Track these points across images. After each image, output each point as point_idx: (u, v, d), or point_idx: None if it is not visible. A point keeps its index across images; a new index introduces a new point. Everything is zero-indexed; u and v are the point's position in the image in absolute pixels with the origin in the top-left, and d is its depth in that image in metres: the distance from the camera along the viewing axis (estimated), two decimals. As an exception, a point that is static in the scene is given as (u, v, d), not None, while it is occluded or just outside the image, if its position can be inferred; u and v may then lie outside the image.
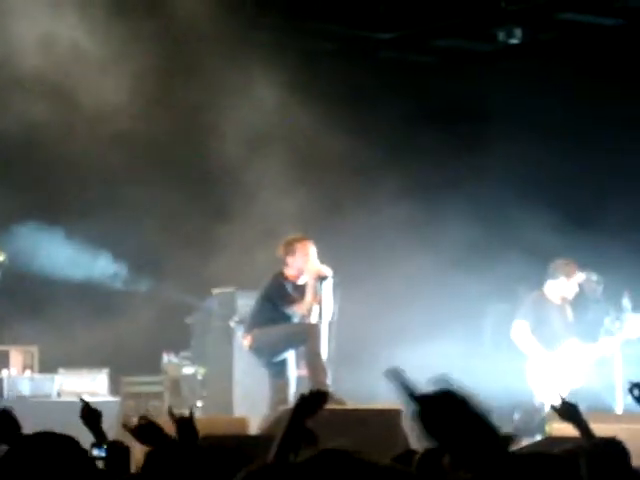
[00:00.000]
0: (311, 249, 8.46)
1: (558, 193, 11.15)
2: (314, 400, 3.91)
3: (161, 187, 10.56)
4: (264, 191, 10.65)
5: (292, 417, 3.81)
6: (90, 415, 4.59)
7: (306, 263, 8.41)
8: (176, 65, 10.35)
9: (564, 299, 9.15)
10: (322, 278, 8.36)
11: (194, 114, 10.55)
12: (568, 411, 4.91)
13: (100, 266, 10.96)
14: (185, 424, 4.09)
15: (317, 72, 10.80)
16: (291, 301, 8.40)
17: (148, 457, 3.53)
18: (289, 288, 8.45)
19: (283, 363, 8.43)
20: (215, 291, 10.49)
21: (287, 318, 8.46)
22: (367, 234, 10.53)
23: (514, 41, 11.05)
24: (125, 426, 4.34)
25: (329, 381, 8.17)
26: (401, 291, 10.20)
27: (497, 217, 11.02)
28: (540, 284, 9.32)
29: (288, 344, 8.37)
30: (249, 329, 8.60)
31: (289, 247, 8.46)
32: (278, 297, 8.41)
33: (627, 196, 11.01)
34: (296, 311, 8.42)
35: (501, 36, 11.06)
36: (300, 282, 8.49)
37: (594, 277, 9.08)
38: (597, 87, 10.98)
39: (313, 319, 8.39)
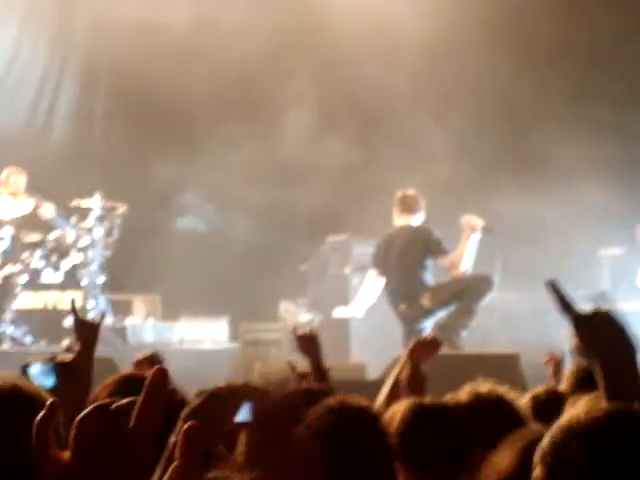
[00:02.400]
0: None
1: None
2: (428, 346, 3.94)
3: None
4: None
5: (406, 361, 3.85)
6: (307, 342, 4.27)
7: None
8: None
9: None
10: (478, 229, 8.29)
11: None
12: None
13: (221, 217, 11.13)
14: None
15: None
16: (447, 251, 8.30)
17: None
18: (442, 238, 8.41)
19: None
20: (329, 239, 10.56)
21: (432, 269, 8.36)
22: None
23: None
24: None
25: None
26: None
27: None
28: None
29: (463, 295, 8.14)
30: (421, 290, 8.27)
31: (418, 198, 8.47)
32: (439, 248, 8.27)
33: None
34: (450, 261, 8.27)
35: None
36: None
37: None
38: None
39: (460, 270, 8.26)
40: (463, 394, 3.22)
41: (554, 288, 2.17)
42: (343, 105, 11.19)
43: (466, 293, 8.10)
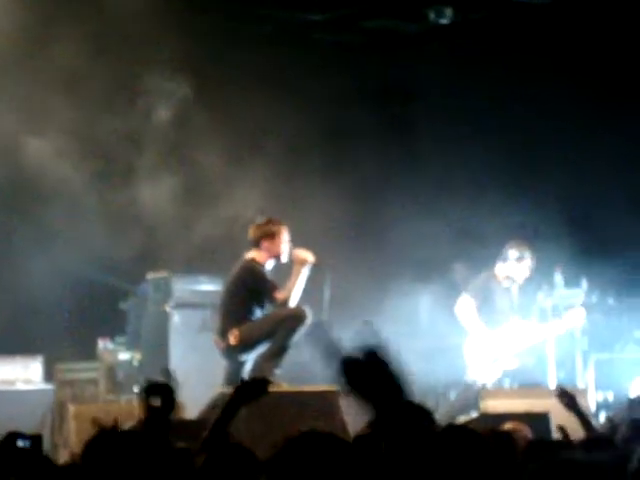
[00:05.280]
0: (287, 233, 8.23)
1: (486, 172, 11.24)
2: (255, 388, 3.90)
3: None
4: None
5: (229, 402, 3.80)
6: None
7: (284, 247, 8.16)
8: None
9: (513, 281, 9.14)
10: (307, 264, 8.09)
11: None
12: (569, 401, 5.05)
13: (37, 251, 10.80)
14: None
15: (248, 54, 10.76)
16: (274, 289, 8.05)
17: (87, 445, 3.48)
18: (267, 275, 8.14)
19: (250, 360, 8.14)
20: (149, 276, 10.42)
21: (262, 307, 8.10)
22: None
23: (444, 21, 11.12)
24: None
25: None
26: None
27: (425, 197, 11.14)
28: (482, 263, 9.34)
29: (275, 332, 7.93)
30: (229, 326, 8.06)
31: (266, 230, 8.16)
32: (262, 287, 8.03)
33: (559, 170, 11.16)
34: (277, 298, 8.06)
35: (431, 16, 11.12)
36: (270, 266, 8.21)
37: (527, 254, 9.14)
38: (526, 65, 11.11)
39: (290, 305, 8.06)
40: None
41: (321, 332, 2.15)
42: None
43: (277, 331, 7.96)
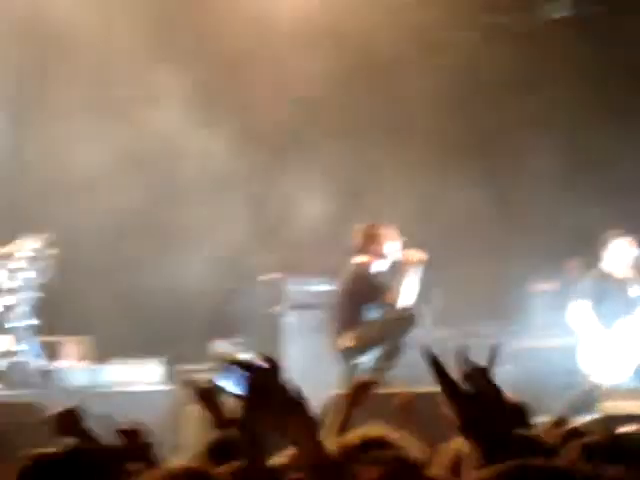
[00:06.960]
0: (391, 233, 8.31)
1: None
2: (364, 390, 3.93)
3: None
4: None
5: (347, 406, 3.86)
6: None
7: (388, 248, 8.26)
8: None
9: (624, 273, 8.91)
10: (417, 264, 8.17)
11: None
12: None
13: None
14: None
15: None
16: (383, 291, 8.18)
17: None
18: (379, 278, 8.26)
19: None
20: (262, 278, 10.53)
21: (374, 310, 8.23)
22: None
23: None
24: None
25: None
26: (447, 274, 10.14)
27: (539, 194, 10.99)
28: (594, 260, 9.15)
29: (387, 334, 8.09)
30: (343, 329, 8.20)
31: (370, 233, 8.29)
32: (371, 290, 8.17)
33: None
34: (387, 300, 8.19)
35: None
36: (378, 268, 8.30)
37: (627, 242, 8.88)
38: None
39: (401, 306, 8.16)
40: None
41: (430, 359, 2.13)
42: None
43: (389, 333, 8.05)
